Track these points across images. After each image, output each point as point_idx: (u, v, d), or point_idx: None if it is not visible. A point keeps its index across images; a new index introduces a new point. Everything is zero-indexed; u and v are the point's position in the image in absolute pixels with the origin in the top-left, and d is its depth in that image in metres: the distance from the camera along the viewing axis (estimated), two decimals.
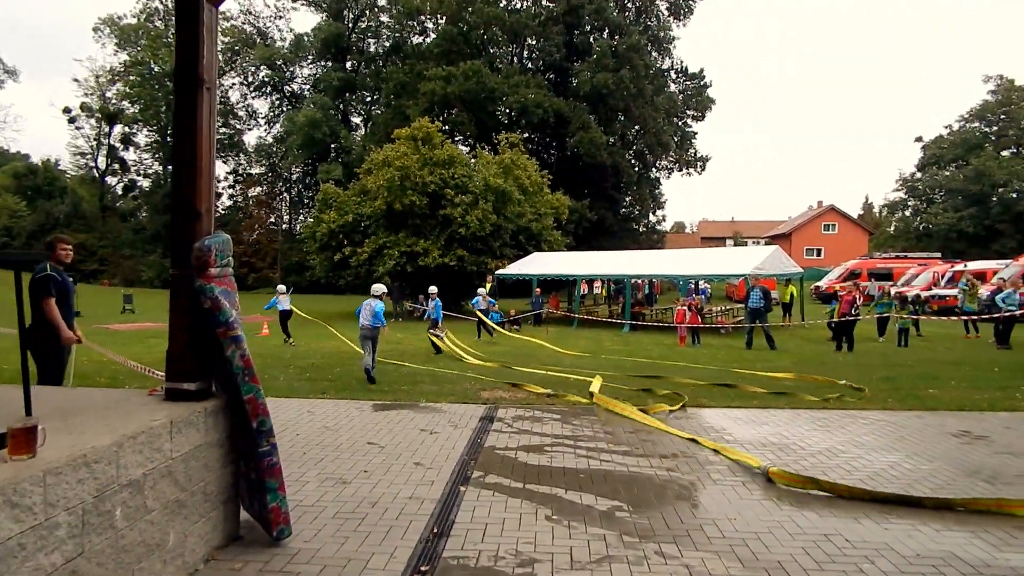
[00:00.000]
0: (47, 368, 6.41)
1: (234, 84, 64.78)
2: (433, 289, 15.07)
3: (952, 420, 7.50)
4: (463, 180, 27.54)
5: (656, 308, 27.07)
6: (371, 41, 62.66)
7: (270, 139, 64.92)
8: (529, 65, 54.43)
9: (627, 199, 54.39)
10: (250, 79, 64.56)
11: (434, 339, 14.00)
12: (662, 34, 53.55)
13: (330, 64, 61.21)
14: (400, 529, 4.25)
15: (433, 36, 55.11)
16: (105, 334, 20.40)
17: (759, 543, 4.06)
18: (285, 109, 63.67)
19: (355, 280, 29.64)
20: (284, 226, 62.72)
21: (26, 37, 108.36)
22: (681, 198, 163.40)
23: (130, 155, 66.20)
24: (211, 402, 3.83)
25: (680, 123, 55.92)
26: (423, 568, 3.68)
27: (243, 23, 63.16)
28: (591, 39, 52.46)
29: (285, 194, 65.06)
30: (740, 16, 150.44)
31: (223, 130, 63.50)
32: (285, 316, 16.73)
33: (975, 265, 27.87)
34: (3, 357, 12.38)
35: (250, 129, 76.57)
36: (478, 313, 18.00)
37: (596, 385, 9.05)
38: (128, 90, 60.01)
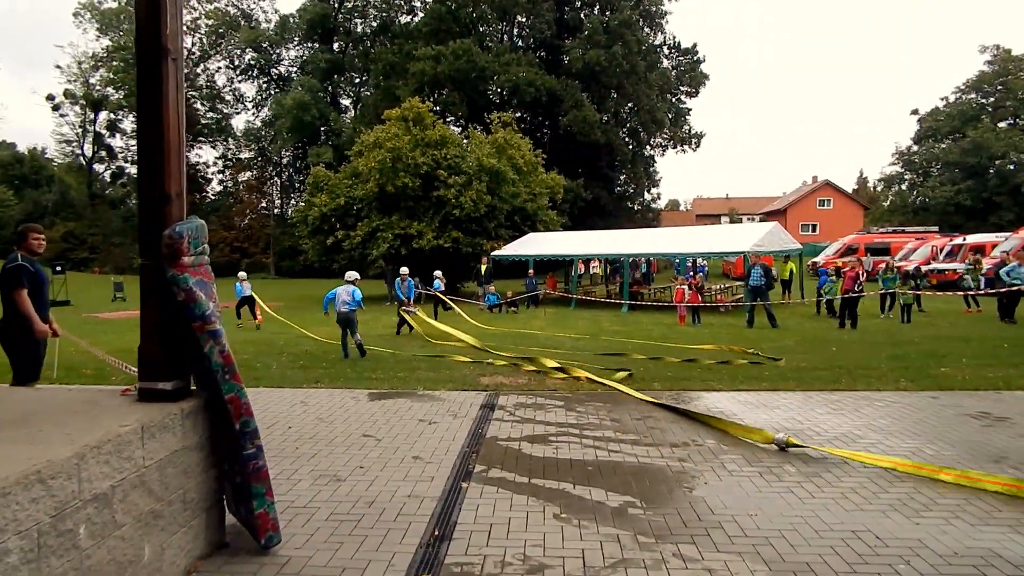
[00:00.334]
0: (21, 363, 6.08)
1: (220, 67, 63.73)
2: (404, 270, 15.42)
3: (969, 400, 7.25)
4: (456, 161, 27.06)
5: (654, 287, 26.81)
6: (358, 21, 61.43)
7: (259, 123, 63.94)
8: (520, 43, 53.52)
9: (622, 177, 53.85)
10: (236, 62, 63.42)
11: (406, 316, 14.43)
12: (654, 8, 52.56)
13: (317, 46, 60.07)
14: (399, 532, 3.96)
15: (421, 15, 54.08)
16: (95, 323, 20.05)
17: (784, 542, 3.79)
18: (273, 92, 62.59)
19: (349, 264, 29.21)
20: (276, 211, 62.03)
21: (3, 25, 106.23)
22: (675, 176, 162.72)
23: (117, 142, 64.94)
24: (189, 402, 3.51)
25: (674, 99, 55.18)
26: None
27: (226, 5, 61.88)
28: (582, 15, 51.54)
29: (276, 178, 64.24)
30: None
31: (210, 115, 62.52)
32: (246, 302, 17.54)
33: (974, 238, 27.66)
34: None
35: (238, 113, 75.94)
36: (437, 294, 18.10)
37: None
38: (112, 76, 58.67)
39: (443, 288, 18.68)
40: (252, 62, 62.80)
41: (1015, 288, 14.50)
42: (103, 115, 63.08)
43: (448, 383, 8.58)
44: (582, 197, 44.08)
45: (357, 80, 62.30)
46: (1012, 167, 47.83)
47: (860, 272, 15.51)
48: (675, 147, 56.25)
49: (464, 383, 8.59)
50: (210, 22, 59.92)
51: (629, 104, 51.13)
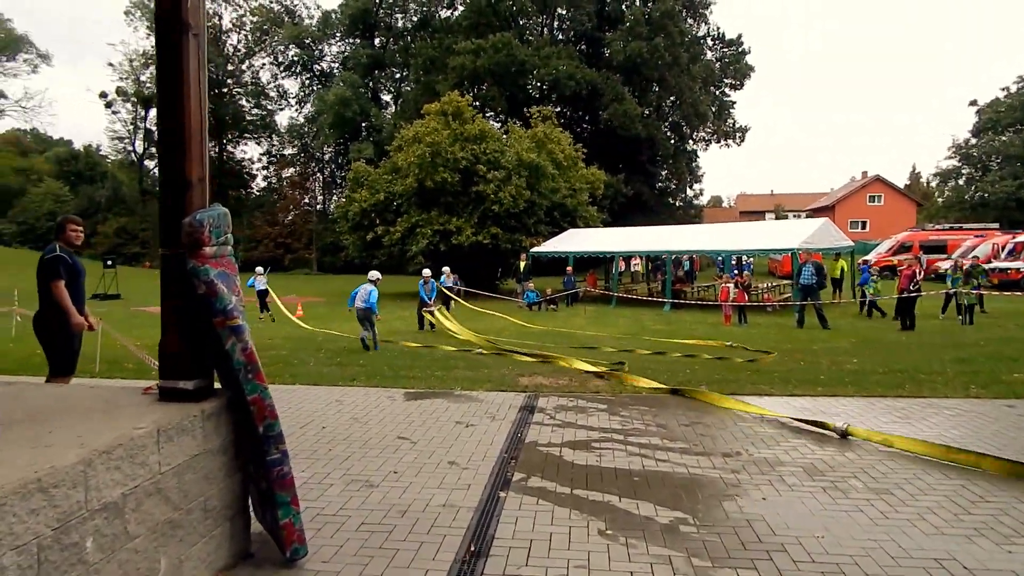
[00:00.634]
0: (57, 356, 6.01)
1: (264, 64, 64.81)
2: (426, 272, 15.72)
3: None
4: (495, 155, 26.80)
5: (697, 285, 26.13)
6: (399, 16, 61.78)
7: (302, 119, 64.91)
8: (560, 36, 52.98)
9: (663, 173, 52.93)
10: (280, 59, 64.40)
11: (427, 316, 14.86)
12: None
13: (358, 41, 60.62)
14: (432, 546, 3.68)
15: (461, 9, 53.98)
16: (144, 316, 20.40)
17: (857, 570, 3.39)
18: (315, 88, 63.41)
19: (388, 260, 29.27)
20: (318, 206, 62.82)
21: (58, 23, 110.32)
22: (718, 171, 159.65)
23: None
24: (211, 403, 3.29)
25: (718, 92, 54.01)
26: None
27: (271, 2, 62.83)
28: (623, 6, 50.73)
29: (318, 174, 65.09)
30: None
31: (255, 111, 63.60)
32: (262, 295, 18.40)
33: None
34: (4, 343, 12.23)
35: (282, 109, 77.12)
36: (443, 289, 17.95)
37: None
38: None
39: (450, 284, 18.52)
40: (295, 58, 63.71)
41: None
42: (153, 112, 64.78)
43: (486, 383, 8.30)
44: (623, 193, 43.43)
45: (398, 75, 62.65)
46: None
47: (917, 271, 14.74)
48: (718, 141, 55.09)
49: (502, 383, 8.30)
50: (255, 19, 60.90)
51: (671, 97, 50.21)
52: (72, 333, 5.94)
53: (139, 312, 21.87)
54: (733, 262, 26.24)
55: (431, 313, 14.74)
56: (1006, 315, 16.35)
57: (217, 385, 3.51)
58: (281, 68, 64.81)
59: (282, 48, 63.44)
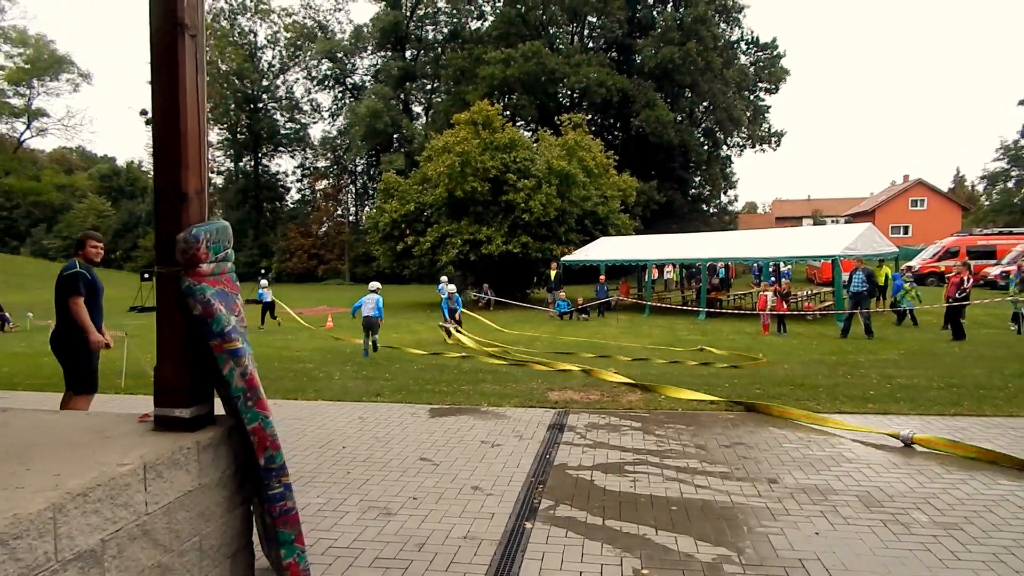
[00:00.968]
0: (75, 374, 5.89)
1: (298, 79, 65.88)
2: (453, 288, 16.31)
3: None
4: (525, 164, 26.52)
5: (733, 293, 25.44)
6: (429, 28, 62.15)
7: (334, 132, 65.63)
8: (590, 44, 52.61)
9: (696, 179, 52.05)
10: (313, 73, 65.32)
11: (448, 327, 14.91)
12: (731, 3, 50.61)
13: (389, 54, 61.11)
14: None
15: (491, 20, 54.06)
16: None
17: None
18: (347, 101, 64.10)
19: (419, 270, 29.17)
20: (351, 218, 63.37)
21: (97, 42, 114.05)
22: (753, 176, 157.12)
23: None
24: (208, 432, 3.03)
25: (752, 97, 52.96)
26: None
27: (304, 18, 63.86)
28: (654, 12, 50.20)
29: (351, 186, 65.71)
30: None
31: (289, 125, 64.57)
32: (267, 307, 19.16)
33: None
34: (17, 360, 12.28)
35: (315, 123, 78.28)
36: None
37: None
38: None
39: (448, 293, 17.94)
40: (328, 72, 64.51)
41: None
42: None
43: (514, 398, 7.99)
44: (655, 200, 42.78)
45: (428, 87, 62.98)
46: None
47: (966, 277, 13.97)
48: (753, 147, 54.01)
49: (531, 398, 7.98)
50: (289, 35, 61.90)
51: (704, 103, 49.44)
52: (91, 351, 5.82)
53: None
54: (771, 269, 25.54)
55: (447, 331, 14.80)
56: None
57: (221, 411, 3.27)
58: (314, 82, 65.74)
59: (315, 63, 64.32)
